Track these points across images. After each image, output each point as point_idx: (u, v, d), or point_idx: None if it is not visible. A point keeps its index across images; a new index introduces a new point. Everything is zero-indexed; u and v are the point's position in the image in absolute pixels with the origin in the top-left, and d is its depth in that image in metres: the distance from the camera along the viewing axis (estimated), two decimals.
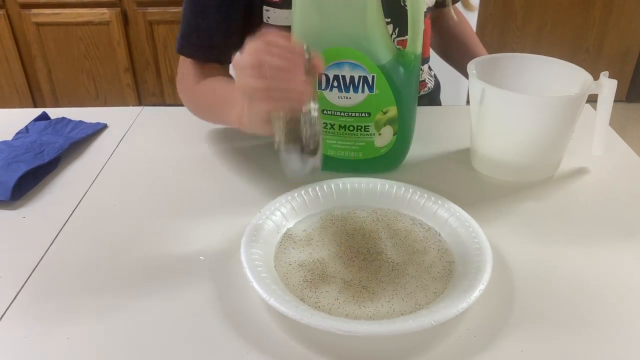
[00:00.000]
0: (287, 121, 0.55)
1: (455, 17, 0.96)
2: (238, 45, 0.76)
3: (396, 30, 0.79)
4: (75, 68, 2.34)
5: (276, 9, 0.75)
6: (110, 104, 2.40)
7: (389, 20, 0.73)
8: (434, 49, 1.06)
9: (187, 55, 0.79)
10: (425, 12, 0.83)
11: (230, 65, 0.90)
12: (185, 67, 0.81)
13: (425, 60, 0.94)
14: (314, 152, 0.56)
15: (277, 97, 0.54)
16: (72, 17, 2.20)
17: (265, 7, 0.76)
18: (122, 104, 2.40)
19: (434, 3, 0.86)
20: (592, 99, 0.73)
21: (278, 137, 0.56)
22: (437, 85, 1.05)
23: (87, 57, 2.31)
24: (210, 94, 0.76)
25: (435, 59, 1.04)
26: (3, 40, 2.25)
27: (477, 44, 1.01)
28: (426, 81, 0.98)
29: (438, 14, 0.99)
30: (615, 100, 0.72)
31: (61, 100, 2.41)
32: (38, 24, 2.22)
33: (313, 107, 0.55)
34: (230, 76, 0.79)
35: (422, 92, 0.98)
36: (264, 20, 0.77)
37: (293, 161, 0.57)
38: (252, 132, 0.61)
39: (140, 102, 2.42)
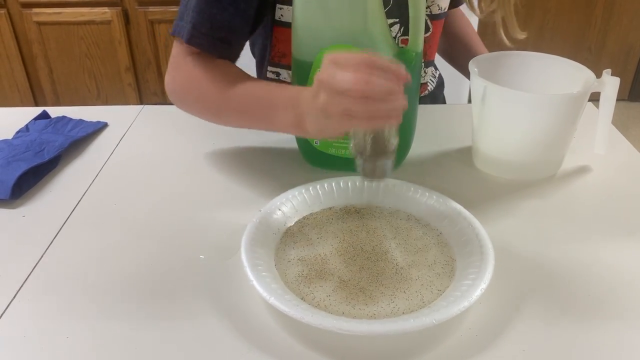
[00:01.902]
0: (373, 132, 0.56)
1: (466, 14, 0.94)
2: (244, 42, 0.76)
3: (401, 30, 0.78)
4: (76, 67, 2.34)
5: (290, 7, 0.74)
6: (111, 103, 2.40)
7: (396, 20, 0.72)
8: (437, 50, 1.06)
9: (197, 46, 0.71)
10: (438, 15, 0.82)
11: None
12: (186, 63, 0.72)
13: (429, 63, 0.94)
14: (392, 160, 0.58)
15: (379, 117, 0.53)
16: (73, 16, 2.20)
17: (278, 5, 0.75)
18: (124, 104, 2.40)
19: (447, 6, 0.85)
20: (595, 98, 0.73)
21: (361, 148, 0.57)
22: (441, 83, 1.04)
23: (88, 56, 2.31)
24: (241, 91, 0.68)
25: (441, 58, 1.04)
26: (4, 39, 2.25)
27: (479, 45, 1.00)
28: (428, 84, 0.97)
29: (448, 21, 0.99)
30: (618, 99, 0.72)
31: (62, 99, 2.41)
32: (39, 23, 2.22)
33: None
34: (243, 71, 0.72)
35: (422, 95, 0.97)
36: (277, 17, 0.77)
37: (378, 169, 0.58)
38: (312, 138, 0.60)
39: (141, 101, 2.42)
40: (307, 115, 0.58)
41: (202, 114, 0.75)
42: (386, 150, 0.57)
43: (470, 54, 0.96)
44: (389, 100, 0.51)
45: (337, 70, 0.51)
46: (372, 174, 0.59)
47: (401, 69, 0.52)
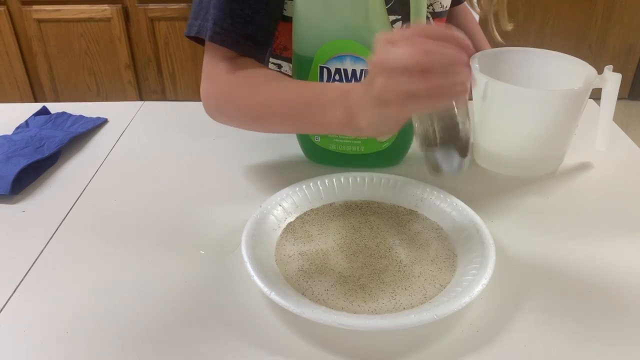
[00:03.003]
0: (441, 117, 0.49)
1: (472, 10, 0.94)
2: (269, 38, 0.73)
3: (404, 27, 0.78)
4: (76, 65, 2.33)
5: (292, 1, 0.73)
6: (111, 100, 2.40)
7: (399, 17, 0.72)
8: None
9: (220, 43, 0.67)
10: (440, 13, 0.82)
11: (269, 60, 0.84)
12: (219, 70, 0.68)
13: None
14: (466, 149, 0.51)
15: (442, 94, 0.47)
16: (73, 13, 2.20)
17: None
18: (123, 101, 2.40)
19: (449, 4, 0.84)
20: (596, 96, 0.73)
21: (429, 136, 0.50)
22: None
23: (88, 53, 2.31)
24: (281, 95, 0.64)
25: None
26: (4, 36, 2.24)
27: (483, 41, 1.00)
28: None
29: (452, 18, 0.98)
30: (618, 98, 0.71)
31: (62, 97, 2.41)
32: (39, 21, 2.22)
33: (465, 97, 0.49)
34: (282, 75, 0.68)
35: None
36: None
37: (447, 161, 0.51)
38: (368, 135, 0.54)
39: (141, 99, 2.42)
40: (360, 109, 0.53)
41: (242, 123, 0.71)
42: (458, 136, 0.50)
43: (475, 51, 0.96)
44: (453, 73, 0.46)
45: (391, 49, 0.46)
46: (446, 167, 0.52)
47: (462, 36, 0.47)
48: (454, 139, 0.50)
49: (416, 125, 0.51)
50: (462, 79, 0.47)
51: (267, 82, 0.66)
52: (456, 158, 0.51)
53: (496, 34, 0.88)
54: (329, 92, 0.59)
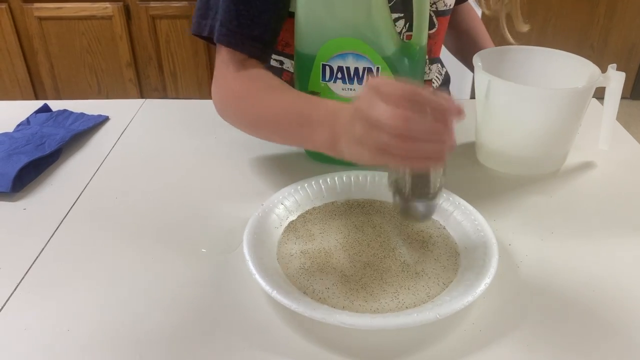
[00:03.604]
0: (414, 176, 0.50)
1: (490, 43, 0.94)
2: (275, 38, 0.73)
3: (407, 25, 0.78)
4: (77, 63, 2.33)
5: None
6: (112, 98, 2.40)
7: (401, 15, 0.72)
8: (445, 45, 1.05)
9: (227, 45, 0.68)
10: (443, 11, 0.82)
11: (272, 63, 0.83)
12: (227, 73, 0.70)
13: (435, 59, 0.93)
14: (435, 199, 0.52)
15: (417, 158, 0.47)
16: (74, 11, 2.20)
17: None
18: (125, 99, 2.40)
19: (453, 2, 0.84)
20: (599, 96, 0.72)
21: (399, 186, 0.52)
22: (447, 79, 1.04)
23: (89, 51, 2.30)
24: (275, 108, 0.65)
25: (444, 52, 1.03)
26: (5, 34, 2.24)
27: (487, 40, 0.99)
28: (433, 81, 0.97)
29: (454, 17, 0.98)
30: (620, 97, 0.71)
31: (63, 95, 2.41)
32: (40, 18, 2.22)
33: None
34: (283, 83, 0.69)
35: None
36: None
37: (414, 209, 0.52)
38: (347, 159, 0.53)
39: (142, 97, 2.42)
40: (342, 137, 0.53)
41: (242, 128, 0.72)
42: (427, 193, 0.51)
43: (477, 49, 0.96)
44: (432, 141, 0.46)
45: (376, 101, 0.46)
46: (410, 216, 0.54)
47: (452, 104, 0.46)
48: (423, 195, 0.51)
49: (390, 170, 0.51)
50: (439, 149, 0.46)
51: (265, 93, 0.66)
52: (426, 207, 0.52)
53: (508, 35, 0.87)
54: (318, 110, 0.59)
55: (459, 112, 0.46)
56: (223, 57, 0.70)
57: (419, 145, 0.46)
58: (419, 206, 0.52)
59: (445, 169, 0.51)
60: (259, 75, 0.68)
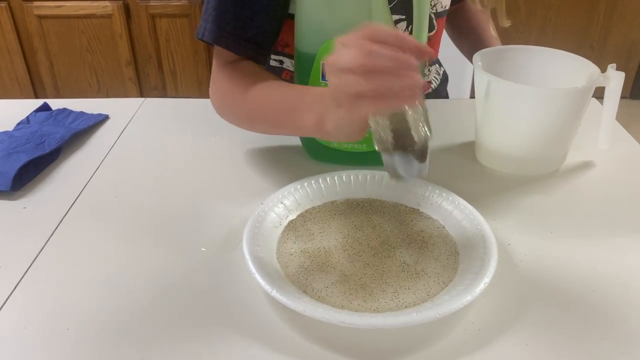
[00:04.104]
0: (394, 122, 0.49)
1: (492, 33, 0.94)
2: (273, 40, 0.74)
3: (409, 28, 0.78)
4: (77, 61, 2.33)
5: None
6: (111, 97, 2.40)
7: (403, 17, 0.72)
8: (452, 41, 1.05)
9: (224, 47, 0.69)
10: (441, 13, 0.82)
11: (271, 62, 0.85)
12: (223, 76, 0.72)
13: (434, 61, 0.93)
14: (423, 155, 0.51)
15: (389, 96, 0.47)
16: (74, 9, 2.20)
17: None
18: (124, 98, 2.40)
19: (449, 3, 0.84)
20: (599, 95, 0.72)
21: (383, 141, 0.51)
22: (445, 79, 1.04)
23: (89, 50, 2.30)
24: (267, 100, 0.67)
25: (443, 52, 1.03)
26: (5, 32, 2.24)
27: (491, 38, 0.99)
28: (432, 81, 0.97)
29: (456, 7, 0.98)
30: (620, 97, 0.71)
31: (63, 93, 2.41)
32: (40, 17, 2.22)
33: (422, 103, 0.49)
34: (275, 77, 0.71)
35: (425, 92, 0.97)
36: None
37: (401, 166, 0.51)
38: (336, 139, 0.55)
39: (141, 96, 2.42)
40: (327, 112, 0.55)
41: (240, 125, 0.74)
42: (412, 142, 0.50)
43: (481, 46, 0.96)
44: (400, 76, 0.47)
45: (341, 50, 0.48)
46: (403, 172, 0.52)
47: (408, 38, 0.47)
48: (407, 144, 0.50)
49: (372, 128, 0.51)
50: (409, 83, 0.47)
51: (258, 87, 0.68)
52: (414, 163, 0.51)
53: (492, 30, 0.88)
54: (307, 96, 0.61)
55: (418, 46, 0.48)
56: (219, 58, 0.72)
57: (387, 80, 0.47)
58: (405, 161, 0.51)
59: (428, 122, 0.50)
60: (251, 72, 0.70)
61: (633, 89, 2.70)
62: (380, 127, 0.50)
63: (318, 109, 0.57)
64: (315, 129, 0.58)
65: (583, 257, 0.59)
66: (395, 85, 0.47)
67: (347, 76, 0.48)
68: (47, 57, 2.31)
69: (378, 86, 0.47)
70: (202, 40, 0.70)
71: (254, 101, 0.68)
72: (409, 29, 0.77)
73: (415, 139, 0.50)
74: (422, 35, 0.67)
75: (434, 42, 0.85)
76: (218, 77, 0.72)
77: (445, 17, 0.84)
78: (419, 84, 0.48)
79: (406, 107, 0.49)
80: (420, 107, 0.49)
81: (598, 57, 2.60)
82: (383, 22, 0.64)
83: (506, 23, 0.86)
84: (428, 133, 0.50)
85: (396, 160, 0.51)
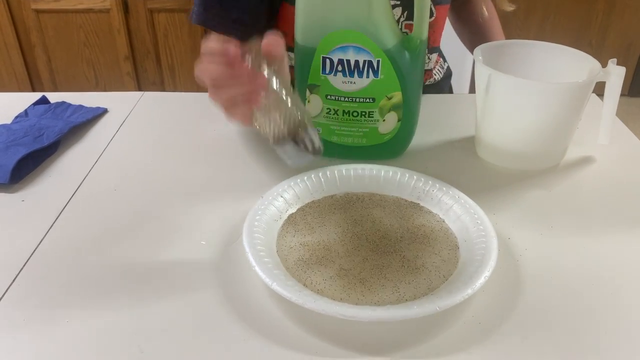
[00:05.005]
0: (268, 119, 0.55)
1: (485, 13, 0.94)
2: (261, 21, 0.74)
3: (404, 14, 0.78)
4: (75, 56, 2.32)
5: None
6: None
7: (398, 2, 0.71)
8: (464, 44, 1.04)
9: (210, 28, 0.73)
10: (443, 1, 0.82)
11: None
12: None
13: (435, 49, 0.93)
14: (306, 142, 0.55)
15: (237, 103, 0.54)
16: (72, 4, 2.19)
17: None
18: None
19: None
20: (599, 92, 0.72)
21: (266, 137, 0.56)
22: (449, 74, 1.03)
23: (87, 45, 2.30)
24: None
25: (445, 46, 1.02)
26: (2, 27, 2.23)
27: (498, 34, 0.99)
28: (433, 72, 0.96)
29: (467, 8, 0.97)
30: None
31: (60, 88, 2.40)
32: (38, 11, 2.21)
33: (283, 95, 0.54)
34: None
35: (426, 82, 0.96)
36: None
37: (289, 154, 0.56)
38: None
39: (140, 90, 2.41)
40: None
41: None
42: (293, 136, 0.54)
43: (487, 40, 0.95)
44: (233, 85, 0.52)
45: (199, 65, 0.53)
46: (285, 160, 0.57)
47: (228, 50, 0.51)
48: (285, 134, 0.54)
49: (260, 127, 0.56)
50: (246, 90, 0.52)
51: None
52: (295, 151, 0.55)
53: (497, 27, 0.88)
54: None
55: (270, 49, 0.53)
56: (207, 39, 0.73)
57: (229, 90, 0.53)
58: (285, 150, 0.55)
59: (302, 116, 0.54)
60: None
61: (631, 86, 2.71)
62: (259, 127, 0.56)
63: None
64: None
65: (583, 251, 0.59)
66: (236, 93, 0.53)
67: (209, 89, 0.54)
68: (44, 52, 2.31)
69: (225, 98, 0.54)
70: (192, 22, 0.72)
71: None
72: (405, 15, 0.77)
73: (286, 130, 0.54)
74: (423, 26, 0.66)
75: (433, 29, 0.85)
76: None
77: (447, 7, 0.84)
78: (258, 85, 0.53)
79: (254, 109, 0.55)
80: (286, 99, 0.54)
81: (597, 55, 2.56)
82: (383, 15, 0.63)
83: (508, 7, 0.87)
84: (298, 119, 0.54)
85: (280, 151, 0.56)
